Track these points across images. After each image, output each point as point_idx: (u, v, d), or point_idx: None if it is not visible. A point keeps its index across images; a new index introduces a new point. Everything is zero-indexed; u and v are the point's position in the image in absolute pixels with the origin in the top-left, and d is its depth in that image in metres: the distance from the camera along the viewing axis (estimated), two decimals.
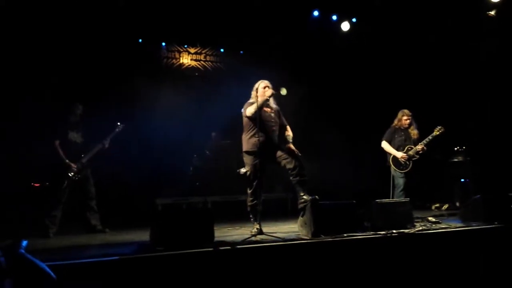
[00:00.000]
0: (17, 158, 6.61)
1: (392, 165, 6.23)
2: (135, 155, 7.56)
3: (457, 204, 7.48)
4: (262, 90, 4.92)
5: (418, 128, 6.37)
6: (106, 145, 5.86)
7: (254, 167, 4.82)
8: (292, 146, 4.95)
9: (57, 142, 5.57)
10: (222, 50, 9.47)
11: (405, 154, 6.15)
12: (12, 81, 6.93)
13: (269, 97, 4.88)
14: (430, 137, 6.17)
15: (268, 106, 5.01)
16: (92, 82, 7.48)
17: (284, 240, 4.25)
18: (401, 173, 6.15)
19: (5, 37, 6.80)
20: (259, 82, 5.03)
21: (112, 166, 6.87)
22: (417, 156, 6.16)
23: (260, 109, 4.78)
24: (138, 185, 7.54)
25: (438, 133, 6.15)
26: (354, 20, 8.77)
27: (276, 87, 4.90)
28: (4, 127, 6.55)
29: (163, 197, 7.58)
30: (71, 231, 5.54)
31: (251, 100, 4.99)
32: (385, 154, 6.35)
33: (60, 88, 7.12)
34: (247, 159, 4.92)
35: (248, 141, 4.91)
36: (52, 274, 2.65)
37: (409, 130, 6.36)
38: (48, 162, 5.72)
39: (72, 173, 5.56)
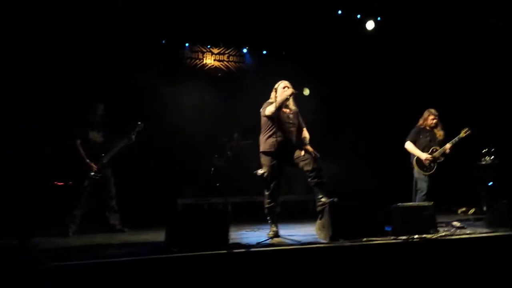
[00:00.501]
0: (38, 157, 6.71)
1: (416, 167, 6.02)
2: (157, 155, 7.62)
3: (484, 208, 7.20)
4: (281, 90, 4.86)
5: (444, 129, 6.17)
6: (132, 140, 5.89)
7: (271, 168, 4.75)
8: (309, 147, 4.86)
9: (78, 142, 5.63)
10: (245, 50, 9.45)
11: (430, 156, 5.96)
12: (35, 80, 7.11)
13: (289, 96, 4.82)
14: (456, 139, 5.95)
15: (287, 107, 4.94)
16: (115, 82, 7.57)
17: (300, 243, 4.17)
18: (425, 175, 5.94)
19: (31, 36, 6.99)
20: (279, 82, 4.98)
21: (134, 166, 6.94)
22: (442, 158, 5.96)
23: (279, 109, 4.72)
24: (160, 185, 7.58)
25: (464, 135, 5.94)
26: (378, 18, 8.60)
27: (299, 88, 4.83)
28: (25, 126, 6.69)
29: (185, 197, 7.59)
30: (91, 230, 5.58)
31: (270, 100, 4.94)
32: (409, 155, 6.16)
33: (84, 88, 7.22)
34: (264, 159, 4.84)
35: (265, 141, 4.85)
36: (55, 275, 2.65)
37: (435, 130, 6.14)
38: (69, 161, 5.79)
39: (93, 173, 5.62)
